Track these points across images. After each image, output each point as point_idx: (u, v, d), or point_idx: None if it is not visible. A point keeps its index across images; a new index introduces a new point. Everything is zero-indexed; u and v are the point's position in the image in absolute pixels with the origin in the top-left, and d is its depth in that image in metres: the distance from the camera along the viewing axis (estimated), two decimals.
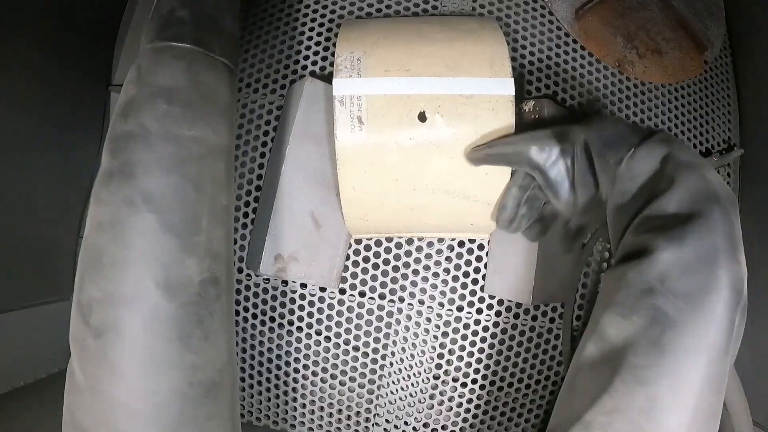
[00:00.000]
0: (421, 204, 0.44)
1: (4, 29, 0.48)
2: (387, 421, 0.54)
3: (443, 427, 0.53)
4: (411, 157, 0.41)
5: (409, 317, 0.52)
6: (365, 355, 0.53)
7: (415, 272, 0.52)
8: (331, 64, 0.52)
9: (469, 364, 0.52)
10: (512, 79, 0.41)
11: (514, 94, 0.41)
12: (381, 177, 0.42)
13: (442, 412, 0.53)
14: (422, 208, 0.44)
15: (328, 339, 0.52)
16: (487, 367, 0.52)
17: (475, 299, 0.52)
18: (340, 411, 0.54)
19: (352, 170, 0.42)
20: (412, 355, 0.52)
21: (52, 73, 0.55)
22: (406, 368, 0.52)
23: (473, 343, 0.52)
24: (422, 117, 0.41)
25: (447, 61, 0.41)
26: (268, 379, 0.54)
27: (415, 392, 0.53)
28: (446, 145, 0.41)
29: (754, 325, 0.38)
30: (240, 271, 0.53)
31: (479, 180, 0.43)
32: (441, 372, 0.53)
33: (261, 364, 0.53)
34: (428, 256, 0.52)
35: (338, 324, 0.52)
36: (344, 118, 0.40)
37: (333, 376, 0.53)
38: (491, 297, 0.52)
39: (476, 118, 0.41)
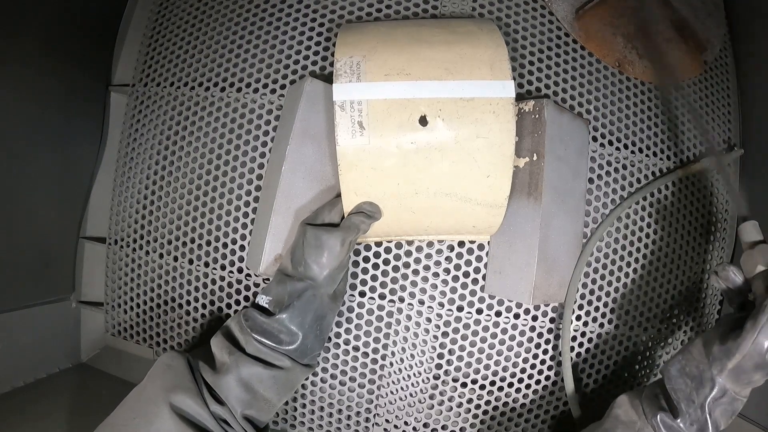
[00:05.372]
0: (423, 207, 0.44)
1: (5, 29, 0.48)
2: (387, 421, 0.54)
3: (443, 427, 0.54)
4: (413, 161, 0.41)
5: (409, 317, 0.52)
6: (365, 355, 0.53)
7: (415, 272, 0.52)
8: (331, 64, 0.52)
9: (469, 364, 0.53)
10: (512, 81, 0.41)
11: (514, 96, 0.41)
12: (383, 181, 0.42)
13: (442, 412, 0.53)
14: (424, 212, 0.44)
15: (328, 339, 0.52)
16: (487, 367, 0.52)
17: (475, 299, 0.52)
18: (340, 411, 0.54)
19: (354, 175, 0.42)
20: (412, 355, 0.52)
21: (52, 73, 0.54)
22: (406, 368, 0.53)
23: (473, 343, 0.52)
24: (423, 121, 0.41)
25: (446, 65, 0.41)
26: None
27: (415, 392, 0.53)
28: (448, 148, 0.41)
29: None
30: (240, 271, 0.53)
31: (481, 183, 0.42)
32: (441, 372, 0.53)
33: None
34: (428, 256, 0.52)
35: (338, 324, 0.52)
36: (345, 124, 0.40)
37: (333, 376, 0.53)
38: (491, 297, 0.52)
39: (477, 120, 0.41)
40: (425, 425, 0.54)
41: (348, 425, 0.54)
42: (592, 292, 0.53)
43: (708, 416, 0.38)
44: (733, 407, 0.38)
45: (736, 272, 0.40)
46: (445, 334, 0.52)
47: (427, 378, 0.53)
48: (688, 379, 0.39)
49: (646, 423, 0.41)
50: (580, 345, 0.54)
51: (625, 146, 0.56)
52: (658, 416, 0.40)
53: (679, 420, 0.39)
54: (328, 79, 0.44)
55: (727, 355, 0.36)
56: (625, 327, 0.55)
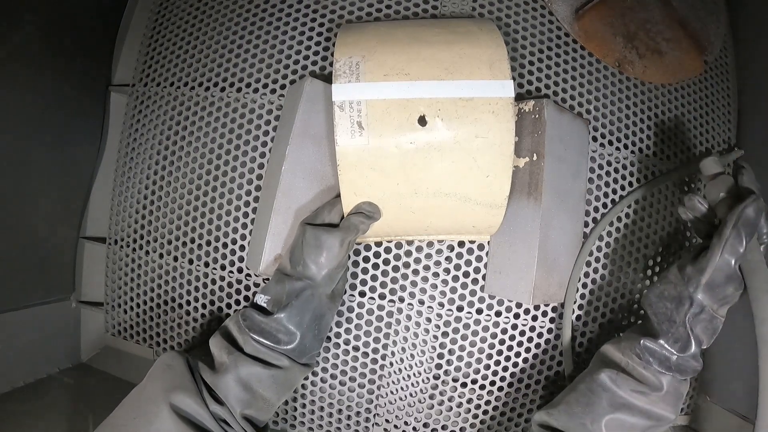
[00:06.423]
0: (423, 207, 0.44)
1: (5, 29, 0.48)
2: (387, 421, 0.54)
3: (443, 427, 0.54)
4: (412, 161, 0.41)
5: (409, 317, 0.52)
6: (365, 355, 0.53)
7: (415, 272, 0.52)
8: (331, 64, 0.52)
9: (469, 364, 0.53)
10: (512, 81, 0.41)
11: (513, 95, 0.41)
12: (382, 182, 0.42)
13: (442, 412, 0.53)
14: (424, 212, 0.44)
15: (328, 339, 0.52)
16: (487, 367, 0.52)
17: (475, 299, 0.52)
18: (340, 411, 0.54)
19: (354, 176, 0.42)
20: (412, 355, 0.52)
21: (52, 73, 0.54)
22: (406, 368, 0.53)
23: (473, 343, 0.52)
24: (422, 121, 0.41)
25: (446, 65, 0.41)
26: None
27: (415, 392, 0.53)
28: (447, 148, 0.41)
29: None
30: (240, 271, 0.53)
31: (480, 182, 0.42)
32: (441, 372, 0.53)
33: None
34: (428, 256, 0.52)
35: (338, 324, 0.52)
36: (344, 124, 0.40)
37: (333, 376, 0.53)
38: (491, 297, 0.52)
39: (476, 120, 0.41)
40: (425, 425, 0.54)
41: (348, 425, 0.54)
42: (592, 292, 0.53)
43: (690, 332, 0.40)
44: (713, 325, 0.40)
45: (701, 201, 0.43)
46: (445, 334, 0.52)
47: (427, 378, 0.53)
48: (668, 302, 0.41)
49: (630, 355, 0.42)
50: (580, 345, 0.54)
51: (625, 146, 0.56)
52: (641, 341, 0.41)
53: (661, 340, 0.41)
54: (328, 79, 0.44)
55: (700, 271, 0.39)
56: (626, 327, 0.55)
